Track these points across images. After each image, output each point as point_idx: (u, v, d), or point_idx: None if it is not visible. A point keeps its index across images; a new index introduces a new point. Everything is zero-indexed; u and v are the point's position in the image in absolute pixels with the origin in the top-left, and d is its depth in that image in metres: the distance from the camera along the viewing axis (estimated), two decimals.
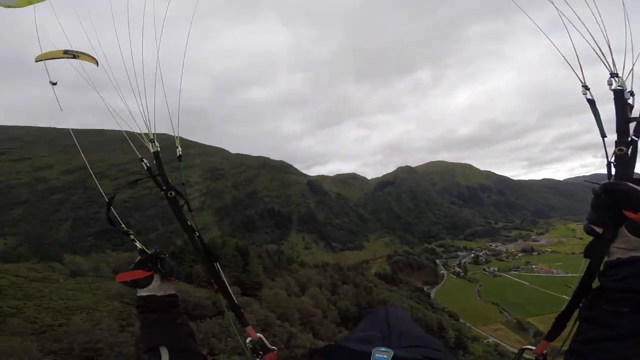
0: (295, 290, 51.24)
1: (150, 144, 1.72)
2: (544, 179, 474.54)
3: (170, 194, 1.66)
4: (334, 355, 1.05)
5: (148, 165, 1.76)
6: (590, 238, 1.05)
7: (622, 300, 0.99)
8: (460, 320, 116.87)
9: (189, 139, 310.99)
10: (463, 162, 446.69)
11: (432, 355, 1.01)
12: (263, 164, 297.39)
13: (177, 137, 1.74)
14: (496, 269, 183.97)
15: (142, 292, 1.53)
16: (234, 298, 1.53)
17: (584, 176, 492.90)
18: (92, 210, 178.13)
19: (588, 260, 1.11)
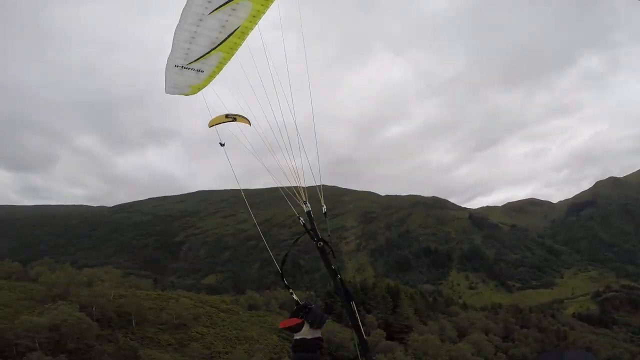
0: (451, 335, 44.80)
1: (303, 205, 2.30)
2: None
3: (320, 244, 2.31)
4: None
5: (304, 222, 2.37)
6: None
7: None
8: None
9: (342, 186, 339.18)
10: None
11: None
12: (414, 202, 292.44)
13: (321, 196, 2.31)
14: None
15: (297, 336, 2.05)
16: (364, 334, 1.98)
17: None
18: (274, 253, 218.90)
19: None
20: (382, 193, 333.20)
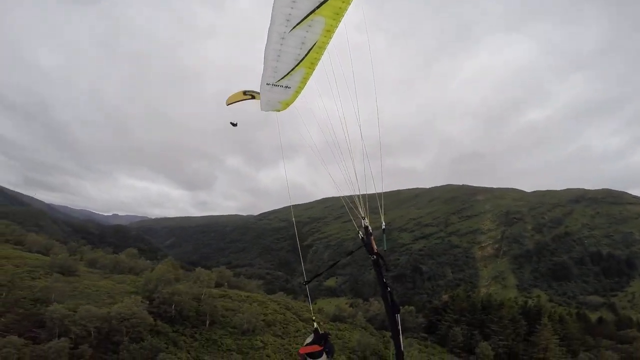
0: None
1: (362, 220, 2.36)
2: None
3: (373, 257, 2.13)
4: None
5: (363, 236, 2.41)
6: None
7: None
8: None
9: (473, 184, 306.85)
10: None
11: None
12: (576, 197, 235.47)
13: (381, 210, 2.35)
14: None
15: None
16: (402, 347, 1.74)
17: None
18: (394, 258, 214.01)
19: None
20: (529, 189, 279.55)
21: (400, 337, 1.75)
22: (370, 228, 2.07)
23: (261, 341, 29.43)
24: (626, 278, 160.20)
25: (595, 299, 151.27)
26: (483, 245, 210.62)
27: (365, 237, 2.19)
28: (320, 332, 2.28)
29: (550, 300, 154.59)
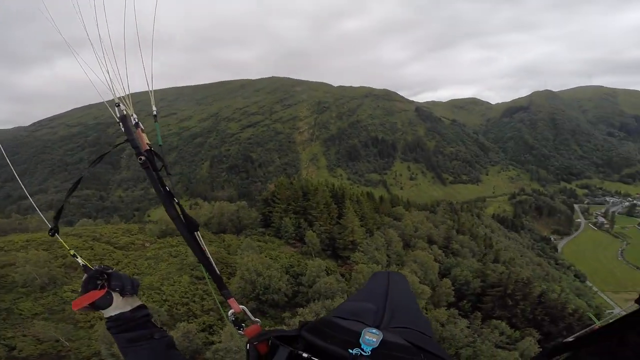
0: (398, 250, 41.92)
1: (119, 108, 1.53)
2: None
3: (140, 159, 1.43)
4: (324, 330, 1.02)
5: (120, 122, 1.53)
6: None
7: None
8: (587, 282, 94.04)
9: (294, 77, 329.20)
10: (631, 88, 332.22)
11: (417, 341, 1.00)
12: (366, 93, 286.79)
13: (151, 91, 1.57)
14: None
15: (110, 313, 1.40)
16: (216, 270, 1.40)
17: None
18: (224, 149, 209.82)
19: (636, 307, 0.89)
20: (336, 84, 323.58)
21: (210, 258, 1.39)
22: (134, 117, 1.63)
23: (72, 290, 23.33)
24: (392, 159, 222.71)
25: (375, 176, 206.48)
26: (301, 130, 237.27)
27: (124, 128, 1.62)
28: (93, 268, 1.56)
29: (348, 179, 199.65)
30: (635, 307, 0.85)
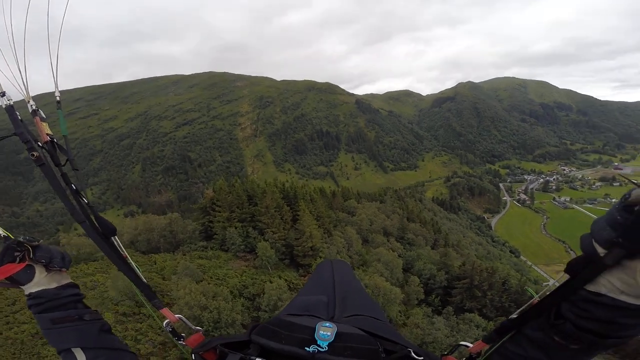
0: (359, 250, 38.63)
1: (4, 96, 1.17)
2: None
3: (32, 154, 1.14)
4: (276, 331, 0.97)
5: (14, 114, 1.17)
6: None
7: (578, 338, 0.82)
8: (522, 257, 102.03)
9: (234, 72, 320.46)
10: (537, 79, 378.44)
11: (372, 328, 0.98)
12: (309, 87, 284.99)
13: (55, 76, 1.25)
14: (568, 198, 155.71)
15: (30, 289, 1.17)
16: (142, 278, 1.20)
17: None
18: (157, 149, 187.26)
19: (566, 277, 0.87)
20: (279, 78, 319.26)
21: (133, 264, 1.21)
22: (32, 104, 1.16)
23: None
24: (337, 151, 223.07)
25: (322, 169, 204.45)
26: (243, 126, 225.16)
27: (11, 119, 1.13)
28: (15, 238, 1.14)
29: (297, 173, 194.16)
30: (566, 277, 0.85)
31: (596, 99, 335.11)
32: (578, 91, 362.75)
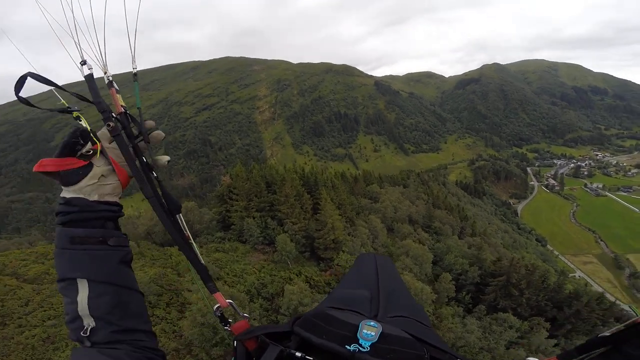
0: (384, 241, 35.95)
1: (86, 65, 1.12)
2: None
3: (109, 125, 1.07)
4: (318, 324, 0.93)
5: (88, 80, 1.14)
6: None
7: None
8: (548, 246, 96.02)
9: (251, 56, 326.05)
10: (569, 62, 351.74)
11: (418, 332, 0.94)
12: (326, 69, 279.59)
13: (133, 49, 1.18)
14: (600, 185, 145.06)
15: (67, 193, 1.02)
16: (201, 259, 1.14)
17: None
18: (179, 134, 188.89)
19: None
20: (295, 61, 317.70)
21: (194, 245, 1.10)
22: (108, 75, 1.10)
23: None
24: (355, 133, 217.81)
25: (340, 151, 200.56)
26: (261, 110, 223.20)
27: (90, 87, 1.08)
28: (90, 130, 1.02)
29: (315, 155, 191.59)
30: None
31: (635, 83, 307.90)
32: (615, 75, 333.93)
